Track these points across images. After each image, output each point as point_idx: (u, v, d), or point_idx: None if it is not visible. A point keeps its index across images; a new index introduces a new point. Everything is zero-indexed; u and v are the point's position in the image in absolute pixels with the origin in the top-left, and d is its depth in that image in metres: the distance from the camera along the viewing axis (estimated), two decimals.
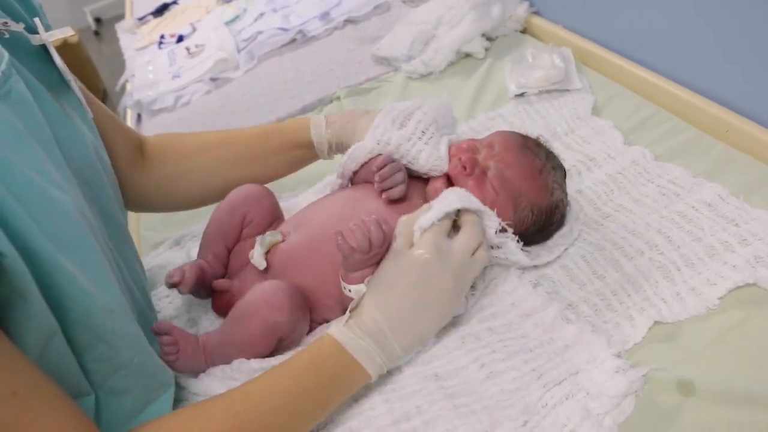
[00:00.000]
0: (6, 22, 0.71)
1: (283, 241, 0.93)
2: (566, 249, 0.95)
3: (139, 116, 1.87)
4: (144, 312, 0.86)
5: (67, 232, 0.64)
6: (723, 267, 0.86)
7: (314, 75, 1.71)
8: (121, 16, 2.73)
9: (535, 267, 0.93)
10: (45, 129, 0.68)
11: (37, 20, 0.77)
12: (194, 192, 1.08)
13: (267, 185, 1.04)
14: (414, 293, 0.79)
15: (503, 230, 0.88)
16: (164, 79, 1.94)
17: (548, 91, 1.33)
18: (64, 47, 3.74)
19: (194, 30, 2.20)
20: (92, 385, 0.67)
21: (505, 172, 0.91)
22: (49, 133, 0.69)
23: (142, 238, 1.33)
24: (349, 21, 1.92)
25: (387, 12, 1.92)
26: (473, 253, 0.84)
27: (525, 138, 0.97)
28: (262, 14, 2.09)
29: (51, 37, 0.78)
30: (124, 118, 1.92)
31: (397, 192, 0.92)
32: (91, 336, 0.64)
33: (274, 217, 1.01)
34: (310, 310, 0.90)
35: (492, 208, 0.89)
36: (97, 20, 5.53)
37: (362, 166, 0.99)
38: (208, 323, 0.98)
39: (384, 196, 0.92)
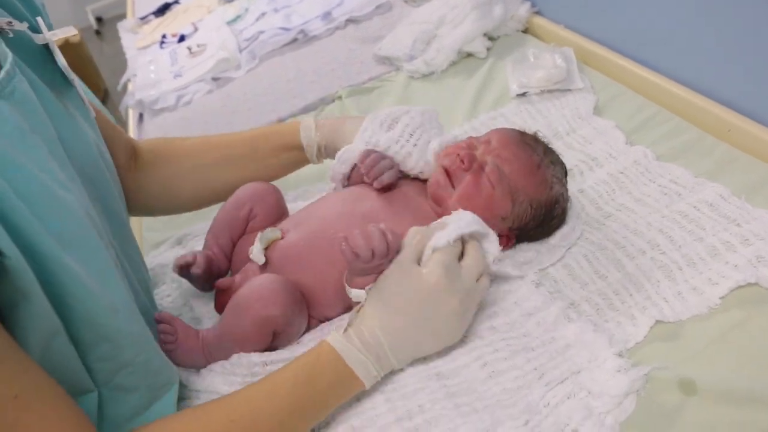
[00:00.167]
0: (10, 22, 0.71)
1: (282, 238, 0.93)
2: (569, 249, 0.95)
3: (140, 116, 1.87)
4: (147, 310, 0.87)
5: (71, 231, 0.64)
6: (724, 267, 0.86)
7: (316, 75, 1.71)
8: (122, 16, 2.73)
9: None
10: (49, 128, 0.69)
11: (39, 19, 0.77)
12: (186, 195, 1.08)
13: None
14: (419, 315, 0.79)
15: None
16: (166, 78, 1.94)
17: (550, 91, 1.33)
18: (65, 47, 3.74)
19: (196, 29, 2.20)
20: (96, 383, 0.67)
21: (503, 167, 0.91)
22: (53, 132, 0.69)
23: (144, 238, 1.33)
24: (350, 21, 1.93)
25: (389, 12, 1.92)
26: (477, 280, 0.83)
27: (522, 134, 0.97)
28: (263, 14, 2.09)
29: (54, 36, 0.78)
30: (126, 117, 1.92)
31: (387, 177, 0.93)
32: (95, 334, 0.65)
33: (280, 214, 1.02)
34: (310, 307, 0.90)
35: (489, 202, 0.89)
36: (99, 19, 5.53)
37: (353, 168, 1.00)
38: (211, 322, 0.98)
39: (375, 184, 0.93)
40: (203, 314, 1.00)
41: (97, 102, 0.96)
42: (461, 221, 0.83)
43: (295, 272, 0.89)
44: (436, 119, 1.05)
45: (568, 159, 1.10)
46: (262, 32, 1.97)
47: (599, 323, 0.83)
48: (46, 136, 0.68)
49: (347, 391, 0.78)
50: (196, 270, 0.94)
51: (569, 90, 1.33)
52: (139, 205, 1.05)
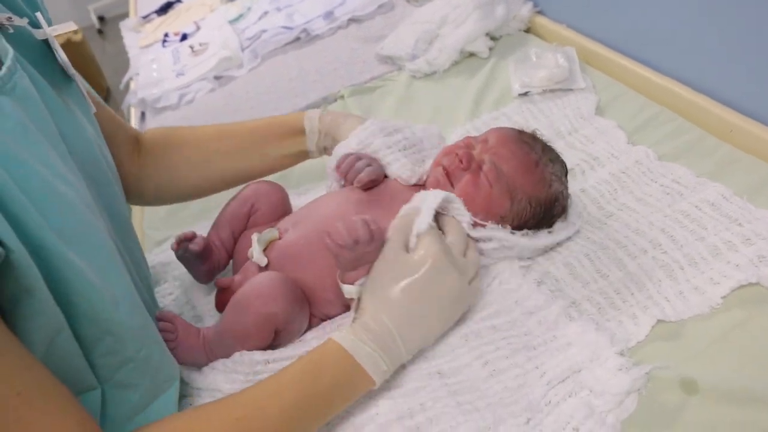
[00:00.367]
0: (10, 17, 0.71)
1: (280, 237, 0.93)
2: (569, 238, 0.95)
3: (143, 114, 1.87)
4: (148, 307, 0.86)
5: (73, 226, 0.64)
6: (726, 266, 0.86)
7: (318, 74, 1.71)
8: (124, 15, 2.73)
9: (539, 264, 0.93)
10: (50, 124, 0.69)
11: (39, 15, 0.77)
12: (191, 184, 1.09)
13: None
14: (422, 296, 0.79)
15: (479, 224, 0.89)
16: (168, 77, 1.94)
17: (552, 91, 1.34)
18: (67, 45, 3.74)
19: (198, 28, 2.20)
20: (99, 380, 0.67)
21: (500, 165, 0.92)
22: (54, 128, 0.69)
23: (146, 236, 1.33)
24: (353, 20, 1.93)
25: (391, 11, 1.92)
26: (464, 255, 0.84)
27: (521, 132, 0.97)
28: (266, 13, 2.09)
29: (54, 32, 0.78)
30: (128, 116, 1.92)
31: (365, 175, 0.94)
32: (98, 329, 0.65)
33: (283, 212, 1.03)
34: (310, 305, 0.90)
35: (487, 201, 0.90)
36: (101, 18, 5.53)
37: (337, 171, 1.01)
38: (212, 320, 0.98)
39: (355, 183, 0.94)
40: (205, 312, 1.00)
41: (95, 94, 0.97)
42: (429, 200, 0.85)
43: (294, 271, 0.90)
44: (437, 138, 1.06)
45: (569, 158, 1.10)
46: (264, 31, 1.97)
47: (601, 322, 0.83)
48: (48, 131, 0.68)
49: (355, 387, 0.77)
50: (193, 247, 0.95)
51: (571, 90, 1.33)
52: (144, 194, 1.06)
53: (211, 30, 2.14)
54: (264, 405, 0.72)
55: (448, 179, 0.93)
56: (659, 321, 0.82)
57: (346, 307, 0.91)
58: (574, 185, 1.05)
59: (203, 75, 1.88)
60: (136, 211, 1.42)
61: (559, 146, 1.14)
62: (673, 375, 0.75)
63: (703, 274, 0.86)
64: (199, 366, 0.87)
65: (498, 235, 0.89)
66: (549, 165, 0.94)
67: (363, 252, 0.80)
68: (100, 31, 5.44)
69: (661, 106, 1.22)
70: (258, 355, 0.84)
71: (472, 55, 1.57)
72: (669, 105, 1.21)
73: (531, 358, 0.80)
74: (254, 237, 0.93)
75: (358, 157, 0.96)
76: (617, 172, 1.07)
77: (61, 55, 0.79)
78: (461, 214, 0.87)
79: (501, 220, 0.91)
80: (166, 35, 2.22)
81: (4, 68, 0.64)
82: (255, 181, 1.07)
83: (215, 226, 1.02)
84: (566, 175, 0.98)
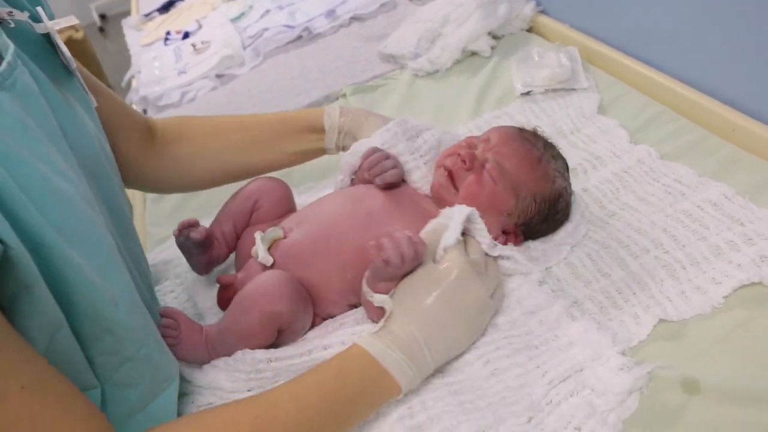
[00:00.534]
0: (11, 12, 0.71)
1: (284, 237, 0.93)
2: (573, 246, 0.95)
3: (144, 112, 1.87)
4: (148, 305, 0.86)
5: (73, 223, 0.64)
6: (728, 266, 0.86)
7: (320, 72, 1.71)
8: (126, 13, 2.73)
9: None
10: (50, 119, 0.69)
11: (40, 9, 0.77)
12: (206, 173, 1.09)
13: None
14: (448, 306, 0.79)
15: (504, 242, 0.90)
16: (170, 75, 1.94)
17: (554, 90, 1.34)
18: (68, 43, 3.71)
19: (200, 27, 2.20)
20: (99, 378, 0.67)
21: (503, 163, 0.92)
22: (55, 123, 0.69)
23: (148, 233, 1.33)
24: (355, 18, 1.93)
25: (393, 10, 1.92)
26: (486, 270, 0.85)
27: (522, 130, 0.97)
28: (267, 11, 2.09)
29: (56, 25, 0.78)
30: None
31: (389, 176, 0.94)
32: (98, 328, 0.64)
33: (286, 210, 1.02)
34: (314, 305, 0.90)
35: (492, 198, 0.90)
36: (102, 16, 5.53)
37: (361, 165, 1.00)
38: (214, 318, 0.98)
39: (377, 180, 0.93)
40: (206, 310, 1.00)
41: (102, 84, 0.97)
42: (456, 217, 0.85)
43: (298, 270, 0.89)
44: (454, 141, 1.05)
45: (572, 158, 1.10)
46: (266, 29, 1.97)
47: (602, 322, 0.83)
48: (48, 127, 0.67)
49: (380, 393, 0.76)
50: (195, 235, 0.95)
51: (574, 89, 1.33)
52: (156, 182, 1.07)
53: (213, 28, 2.14)
54: (283, 406, 0.71)
55: (451, 181, 0.93)
56: (661, 320, 0.82)
57: (349, 307, 0.91)
58: (576, 184, 1.05)
59: (205, 73, 1.88)
60: (139, 208, 1.42)
61: (561, 145, 1.13)
62: (674, 375, 0.75)
63: (705, 273, 0.86)
64: (200, 363, 0.87)
65: (516, 255, 0.89)
66: (551, 161, 0.94)
67: (406, 269, 0.81)
68: (101, 29, 5.44)
69: (663, 106, 1.22)
70: (260, 354, 0.83)
71: (474, 54, 1.57)
72: (671, 104, 1.21)
73: (532, 358, 0.80)
74: (257, 236, 0.93)
75: (386, 156, 0.96)
76: (619, 172, 1.07)
77: (63, 49, 0.78)
78: (482, 235, 0.87)
79: (507, 218, 0.91)
80: (168, 33, 2.22)
81: (4, 64, 0.64)
82: (259, 176, 1.07)
83: (218, 219, 1.02)
84: (568, 172, 0.98)
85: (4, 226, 0.54)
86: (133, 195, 1.46)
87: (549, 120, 1.26)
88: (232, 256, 1.03)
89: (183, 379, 0.85)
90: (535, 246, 0.95)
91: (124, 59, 2.43)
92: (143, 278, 0.89)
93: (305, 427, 0.71)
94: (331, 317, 0.92)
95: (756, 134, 1.06)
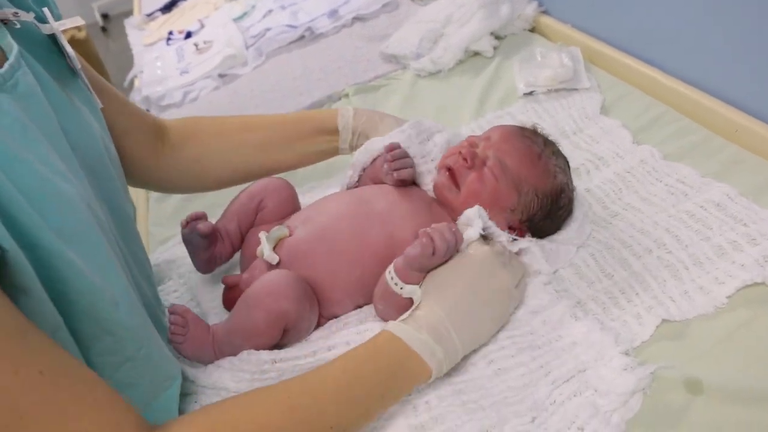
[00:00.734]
0: (16, 12, 0.71)
1: (290, 235, 0.93)
2: (577, 248, 0.95)
3: (147, 112, 1.87)
4: (151, 305, 0.86)
5: (73, 224, 0.64)
6: (731, 266, 0.86)
7: (322, 72, 1.71)
8: (128, 12, 2.74)
9: None
10: (52, 121, 0.69)
11: (46, 10, 0.77)
12: (219, 173, 1.09)
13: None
14: (473, 292, 0.81)
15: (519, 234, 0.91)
16: (172, 75, 1.94)
17: (557, 90, 1.34)
18: (72, 43, 3.71)
19: (202, 26, 2.20)
20: None
21: (504, 159, 0.92)
22: (57, 125, 0.69)
23: (151, 233, 1.34)
24: (357, 19, 1.93)
25: (395, 10, 1.92)
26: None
27: (521, 128, 0.98)
28: (270, 11, 2.09)
29: (62, 26, 0.78)
30: None
31: (406, 174, 0.94)
32: (97, 328, 0.64)
33: (291, 210, 1.03)
34: (319, 305, 0.90)
35: (495, 195, 0.90)
36: (105, 16, 5.54)
37: (372, 163, 1.01)
38: (217, 318, 0.98)
39: (395, 175, 0.94)
40: (209, 310, 1.00)
41: (110, 85, 0.97)
42: (478, 215, 0.86)
43: (303, 268, 0.90)
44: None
45: (574, 158, 1.10)
46: (268, 29, 1.97)
47: (605, 322, 0.83)
48: (49, 128, 0.67)
49: (411, 375, 0.76)
50: (201, 227, 0.95)
51: (576, 89, 1.33)
52: (167, 183, 1.08)
53: (215, 28, 2.14)
54: (318, 386, 0.72)
55: (453, 180, 0.93)
56: (664, 321, 0.82)
57: (354, 307, 0.91)
58: (579, 185, 1.05)
59: (207, 73, 1.88)
60: (142, 208, 1.42)
61: (564, 146, 1.14)
62: (677, 375, 0.75)
63: (708, 274, 0.86)
64: (204, 363, 0.87)
65: (533, 249, 0.90)
66: (552, 157, 0.95)
67: (446, 259, 0.82)
68: (103, 29, 5.45)
69: (666, 106, 1.22)
70: (265, 355, 0.83)
71: (476, 54, 1.57)
72: (674, 105, 1.21)
73: (536, 358, 0.80)
74: (262, 235, 0.93)
75: (406, 154, 0.97)
76: (622, 172, 1.07)
77: (68, 50, 0.78)
78: (499, 233, 0.87)
79: (511, 214, 0.91)
80: (170, 33, 2.22)
81: (6, 65, 0.64)
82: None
83: (222, 218, 1.02)
84: (569, 169, 0.98)
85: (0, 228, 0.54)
86: (137, 196, 1.46)
87: (552, 120, 1.26)
88: (237, 257, 1.03)
89: (186, 379, 0.85)
90: (542, 245, 0.94)
91: (126, 59, 2.43)
92: (146, 279, 0.89)
93: (338, 407, 0.72)
94: (335, 318, 0.92)
95: (759, 135, 1.06)
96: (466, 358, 0.81)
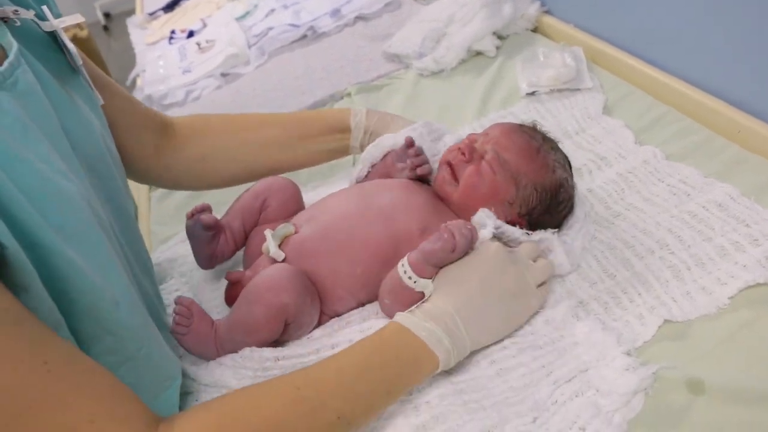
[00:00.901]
0: (16, 10, 0.71)
1: (296, 232, 0.93)
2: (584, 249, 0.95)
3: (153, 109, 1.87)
4: (152, 304, 0.86)
5: (73, 223, 0.64)
6: (733, 267, 0.86)
7: (325, 71, 1.71)
8: (130, 11, 2.74)
9: None
10: (52, 119, 0.69)
11: (45, 8, 0.77)
12: (227, 171, 1.10)
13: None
14: (484, 287, 0.81)
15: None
16: (175, 74, 1.94)
17: (559, 90, 1.34)
18: (73, 41, 3.72)
19: (205, 25, 2.21)
20: None
21: (502, 153, 0.92)
22: (57, 123, 0.69)
23: (153, 232, 1.34)
24: (360, 18, 1.93)
25: (398, 9, 1.92)
26: (534, 261, 0.87)
27: (521, 125, 0.98)
28: (272, 10, 2.09)
29: (62, 23, 0.78)
30: None
31: (426, 168, 0.98)
32: (98, 328, 0.64)
33: (295, 209, 1.03)
34: (321, 302, 0.90)
35: (493, 188, 0.91)
36: (107, 15, 5.54)
37: (382, 159, 1.03)
38: (219, 317, 0.97)
39: (418, 171, 0.97)
40: (212, 308, 1.00)
41: (113, 81, 0.97)
42: (490, 216, 0.87)
43: (309, 265, 0.90)
44: None
45: (577, 158, 1.11)
46: (271, 28, 1.97)
47: (607, 322, 0.83)
48: (49, 127, 0.67)
49: (419, 364, 0.76)
50: (205, 218, 0.95)
51: (579, 89, 1.33)
52: (173, 180, 1.08)
53: (217, 27, 2.14)
54: (324, 376, 0.73)
55: (452, 174, 0.94)
56: (666, 321, 0.82)
57: (357, 305, 0.91)
58: (581, 185, 1.05)
59: (210, 72, 1.88)
60: (144, 207, 1.42)
61: (566, 146, 1.14)
62: (679, 375, 0.75)
63: (710, 274, 0.86)
64: (206, 359, 0.87)
65: (552, 239, 0.90)
66: (551, 152, 0.95)
67: (462, 255, 0.83)
68: (105, 28, 5.45)
69: (668, 106, 1.22)
70: (267, 352, 0.84)
71: (479, 53, 1.57)
72: (676, 105, 1.21)
73: (537, 358, 0.80)
74: (268, 232, 0.93)
75: (422, 150, 1.00)
76: (624, 172, 1.07)
77: (70, 46, 0.79)
78: (513, 231, 0.88)
79: (509, 207, 0.91)
80: (172, 32, 2.22)
81: (6, 63, 0.64)
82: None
83: (226, 215, 1.02)
84: (570, 166, 0.98)
85: (0, 226, 0.54)
86: (138, 194, 1.46)
87: (554, 120, 1.26)
88: (240, 255, 1.03)
89: (188, 377, 0.86)
90: (562, 239, 0.94)
91: (128, 58, 2.43)
92: (148, 278, 0.89)
93: (345, 398, 0.72)
94: (338, 315, 0.92)
95: (761, 135, 1.05)
96: (467, 357, 0.81)
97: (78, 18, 0.82)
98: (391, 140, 1.02)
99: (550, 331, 0.83)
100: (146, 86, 1.92)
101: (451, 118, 1.37)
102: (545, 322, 0.84)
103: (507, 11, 1.55)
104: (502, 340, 0.83)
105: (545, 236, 0.90)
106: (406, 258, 0.83)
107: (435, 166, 1.00)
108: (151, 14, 2.47)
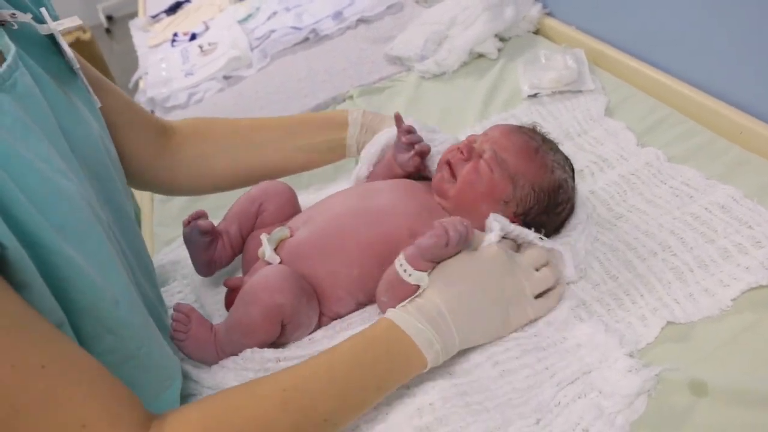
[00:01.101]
0: (13, 14, 0.71)
1: (291, 236, 0.94)
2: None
3: (152, 113, 1.87)
4: (152, 304, 0.86)
5: (73, 222, 0.64)
6: (736, 269, 0.86)
7: (327, 74, 1.72)
8: (132, 14, 2.75)
9: None
10: (51, 120, 0.69)
11: (43, 10, 0.77)
12: (224, 173, 1.10)
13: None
14: (478, 287, 0.81)
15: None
16: (177, 76, 1.95)
17: (561, 92, 1.34)
18: (76, 44, 3.76)
19: (207, 28, 2.21)
20: None
21: (500, 152, 0.92)
22: (55, 124, 0.70)
23: (155, 234, 1.34)
24: (362, 20, 1.93)
25: (400, 12, 1.92)
26: (538, 269, 0.86)
27: (520, 126, 0.98)
28: (275, 13, 2.10)
29: (59, 26, 0.78)
30: None
31: (425, 146, 0.99)
32: (98, 326, 0.65)
33: (291, 213, 1.03)
34: (320, 304, 0.90)
35: (490, 186, 0.91)
36: (109, 18, 5.56)
37: (382, 158, 1.04)
38: (221, 320, 0.97)
39: (417, 147, 0.98)
40: (213, 311, 1.00)
41: (111, 83, 0.97)
42: (498, 220, 0.87)
43: (305, 267, 0.90)
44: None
45: (579, 160, 1.11)
46: (273, 31, 1.98)
47: (610, 324, 0.83)
48: (48, 128, 0.68)
49: (408, 363, 0.76)
50: (202, 224, 0.95)
51: (580, 91, 1.33)
52: (172, 184, 1.08)
53: (220, 30, 2.15)
54: (310, 375, 0.72)
55: (452, 173, 0.94)
56: (669, 323, 0.82)
57: (357, 306, 0.92)
58: (583, 187, 1.05)
59: (212, 75, 1.88)
60: (147, 209, 1.43)
61: (568, 148, 1.14)
62: (682, 377, 0.75)
63: (712, 276, 0.86)
64: (207, 363, 0.88)
65: (556, 245, 0.89)
66: (550, 153, 0.95)
67: (457, 250, 0.82)
68: (108, 30, 5.46)
69: (670, 108, 1.22)
70: (269, 353, 0.84)
71: (481, 56, 1.57)
72: (679, 107, 1.21)
73: (541, 359, 0.80)
74: (263, 237, 0.94)
75: (420, 137, 1.01)
76: (627, 174, 1.07)
77: (66, 49, 0.79)
78: (527, 233, 0.88)
79: (504, 206, 0.91)
80: (175, 35, 2.23)
81: (4, 66, 0.65)
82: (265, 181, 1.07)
83: (223, 221, 1.02)
84: (571, 168, 0.98)
85: (0, 225, 0.54)
86: (141, 196, 1.47)
87: (556, 122, 1.26)
88: (238, 261, 1.03)
89: (190, 379, 0.86)
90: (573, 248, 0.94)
91: (131, 60, 2.44)
92: (148, 278, 0.89)
93: (333, 398, 0.72)
94: (339, 317, 0.92)
95: (764, 136, 1.05)
96: (470, 359, 0.81)
97: (76, 20, 0.82)
98: (387, 135, 1.03)
99: (553, 333, 0.83)
100: (149, 89, 1.93)
101: (453, 121, 1.38)
102: (547, 324, 0.84)
103: (509, 13, 1.55)
104: (504, 341, 0.83)
105: (556, 246, 0.89)
106: (402, 253, 0.83)
107: (431, 161, 1.00)
108: (153, 17, 2.48)
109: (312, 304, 0.89)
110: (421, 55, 1.58)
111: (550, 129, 1.20)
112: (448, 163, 0.94)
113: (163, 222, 1.35)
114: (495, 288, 0.82)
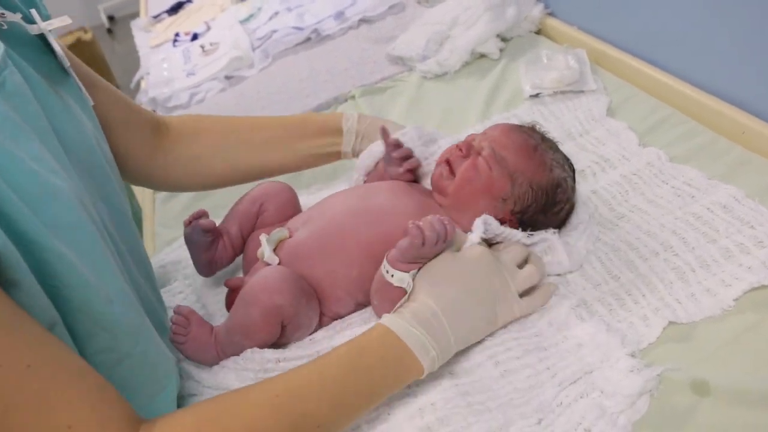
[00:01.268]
0: (3, 14, 0.71)
1: (290, 236, 0.94)
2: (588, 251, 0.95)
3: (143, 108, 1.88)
4: (151, 303, 0.86)
5: (65, 220, 0.64)
6: (738, 269, 0.86)
7: (329, 74, 1.71)
8: (134, 14, 2.75)
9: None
10: (42, 120, 0.69)
11: (33, 11, 0.77)
12: (220, 171, 1.10)
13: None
14: (466, 287, 0.81)
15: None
16: (179, 76, 1.95)
17: (563, 92, 1.34)
18: (77, 45, 3.77)
19: (209, 28, 2.21)
20: None
21: (499, 150, 0.92)
22: (47, 123, 0.69)
23: (157, 234, 1.34)
24: (363, 20, 1.93)
25: (402, 12, 1.92)
26: (520, 266, 0.86)
27: (520, 125, 0.98)
28: (276, 13, 2.10)
29: (49, 26, 0.78)
30: None
31: (414, 162, 0.99)
32: (92, 325, 0.64)
33: (292, 213, 1.03)
34: (321, 304, 0.91)
35: (488, 183, 0.91)
36: (111, 18, 5.56)
37: (376, 167, 1.04)
38: (223, 320, 0.98)
39: (405, 165, 0.98)
40: (215, 312, 1.00)
41: (103, 80, 0.97)
42: (486, 221, 0.87)
43: (304, 268, 0.90)
44: None
45: (580, 160, 1.11)
46: (275, 31, 1.97)
47: (612, 323, 0.83)
48: (40, 128, 0.67)
49: (404, 370, 0.76)
50: (203, 222, 0.96)
51: (582, 91, 1.33)
52: (166, 181, 1.08)
53: (221, 30, 2.14)
54: (303, 382, 0.72)
55: (450, 170, 0.94)
56: (671, 323, 0.82)
57: (357, 306, 0.92)
58: (585, 187, 1.05)
59: (214, 75, 1.88)
60: (148, 209, 1.43)
61: (570, 148, 1.14)
62: (684, 377, 0.75)
63: (714, 276, 0.86)
64: (207, 364, 0.88)
65: (558, 248, 0.90)
66: (549, 151, 0.95)
67: (435, 250, 0.82)
68: (109, 31, 5.47)
69: (672, 108, 1.21)
70: (269, 354, 0.84)
71: (482, 56, 1.57)
72: (680, 107, 1.21)
73: (542, 359, 0.80)
74: (263, 237, 0.94)
75: (410, 151, 1.01)
76: (628, 174, 1.07)
77: (57, 49, 0.79)
78: (513, 234, 0.88)
79: (502, 204, 0.91)
80: (176, 35, 2.23)
81: None
82: (264, 180, 1.08)
83: (224, 222, 1.02)
84: (571, 167, 0.98)
85: None
86: (143, 196, 1.47)
87: (558, 122, 1.26)
88: (239, 261, 1.04)
89: (191, 379, 0.86)
90: (564, 240, 0.94)
91: (132, 61, 2.44)
92: (146, 278, 0.89)
93: (327, 404, 0.71)
94: (340, 317, 0.92)
95: (765, 136, 1.05)
96: (472, 359, 0.81)
97: (65, 20, 0.82)
98: (381, 147, 1.03)
99: (554, 333, 0.83)
100: (150, 89, 1.93)
101: (455, 121, 1.38)
102: (549, 324, 0.84)
103: (510, 14, 1.55)
104: (505, 341, 0.83)
105: (546, 236, 0.90)
106: (386, 256, 0.84)
107: (429, 168, 1.00)
108: (155, 17, 2.48)
109: (312, 304, 0.89)
110: (423, 55, 1.58)
111: (552, 129, 1.20)
112: (447, 161, 0.95)
113: (164, 222, 1.35)
114: (481, 287, 0.82)
